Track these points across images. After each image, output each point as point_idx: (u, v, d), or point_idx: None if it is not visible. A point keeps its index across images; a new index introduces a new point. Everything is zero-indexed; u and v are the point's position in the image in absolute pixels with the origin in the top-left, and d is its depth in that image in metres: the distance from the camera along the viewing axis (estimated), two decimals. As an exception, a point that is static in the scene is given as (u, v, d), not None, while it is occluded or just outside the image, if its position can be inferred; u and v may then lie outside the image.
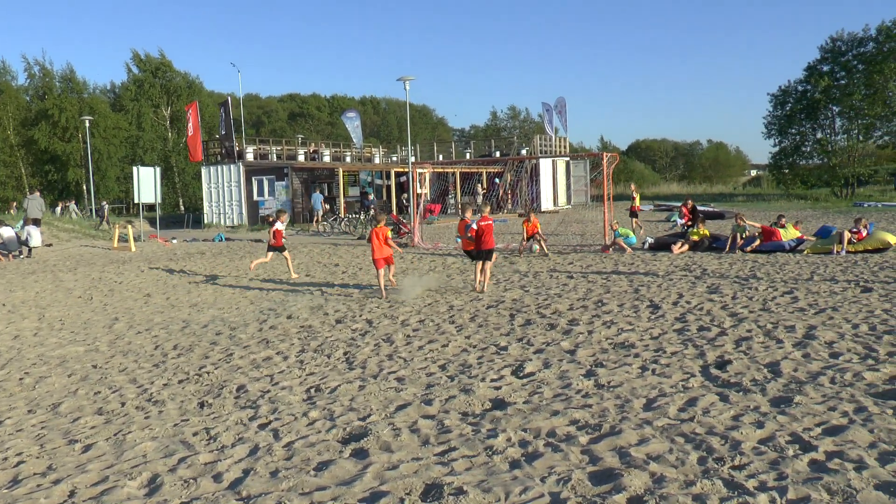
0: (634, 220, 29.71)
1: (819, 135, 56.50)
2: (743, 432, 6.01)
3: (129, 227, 30.15)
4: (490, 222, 14.97)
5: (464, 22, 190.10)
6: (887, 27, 51.30)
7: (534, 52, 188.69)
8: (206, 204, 44.68)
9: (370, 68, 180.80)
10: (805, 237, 20.63)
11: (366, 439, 6.17)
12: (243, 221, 42.30)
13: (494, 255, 15.32)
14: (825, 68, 54.75)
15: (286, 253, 18.40)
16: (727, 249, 19.93)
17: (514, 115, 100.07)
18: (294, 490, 5.24)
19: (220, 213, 43.74)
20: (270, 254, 18.50)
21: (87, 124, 46.28)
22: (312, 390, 7.92)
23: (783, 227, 20.26)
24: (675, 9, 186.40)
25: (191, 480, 5.50)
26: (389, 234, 15.31)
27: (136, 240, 31.43)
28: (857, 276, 14.50)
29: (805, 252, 19.12)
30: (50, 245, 29.15)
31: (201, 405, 7.58)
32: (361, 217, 35.83)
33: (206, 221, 43.87)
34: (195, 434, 6.57)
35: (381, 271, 14.98)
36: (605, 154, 22.48)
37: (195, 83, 69.74)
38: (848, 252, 18.36)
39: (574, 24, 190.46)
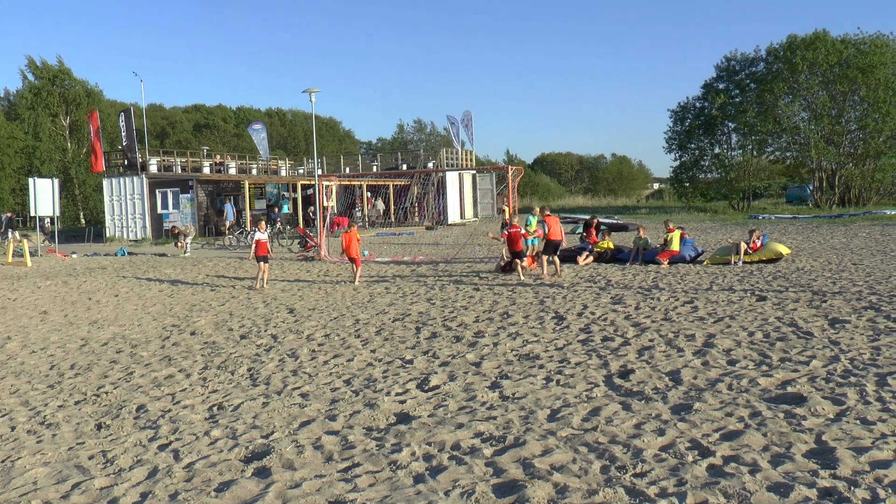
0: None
1: (717, 150, 58.43)
2: (645, 440, 6.12)
3: (25, 241, 29.00)
4: (518, 229, 18.11)
5: (371, 34, 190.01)
6: (775, 49, 53.56)
7: (440, 66, 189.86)
8: (108, 217, 43.35)
9: (276, 80, 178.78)
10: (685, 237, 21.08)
11: (268, 457, 6.04)
12: (147, 235, 41.18)
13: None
14: (721, 86, 56.74)
15: (264, 264, 18.37)
16: (630, 261, 20.37)
17: (420, 129, 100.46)
18: (193, 512, 5.09)
19: (122, 227, 42.49)
20: (263, 264, 18.36)
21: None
22: (215, 408, 7.73)
23: (671, 231, 20.63)
24: (578, 24, 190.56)
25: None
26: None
27: (32, 254, 30.27)
28: (752, 286, 15.00)
29: (704, 262, 19.69)
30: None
31: (98, 427, 7.30)
32: (269, 231, 35.34)
33: (108, 235, 42.54)
34: (91, 458, 6.31)
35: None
36: (510, 167, 22.73)
37: (95, 92, 67.58)
38: (744, 262, 18.99)
39: (480, 38, 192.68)
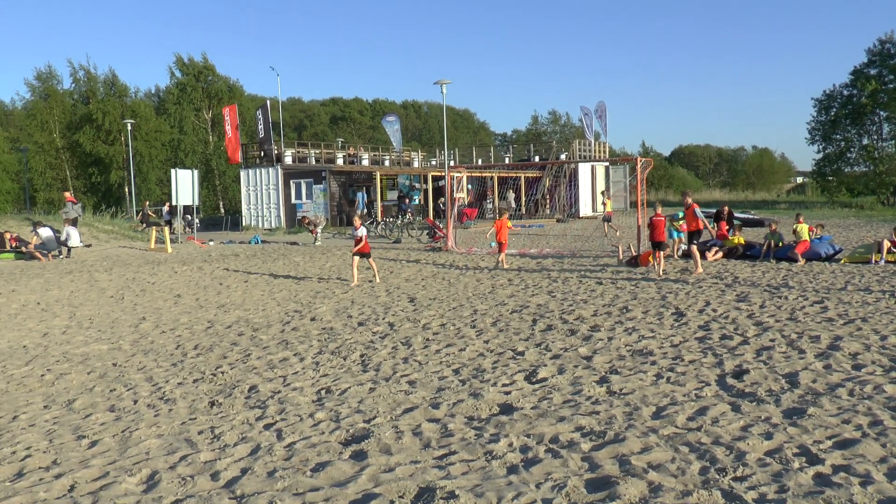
0: (606, 224, 31.60)
1: (865, 141, 55.42)
2: (750, 443, 5.89)
3: (166, 228, 30.53)
4: (661, 218, 17.83)
5: (507, 26, 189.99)
6: (938, 30, 50.26)
7: (576, 56, 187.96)
8: (244, 206, 45.13)
9: (412, 72, 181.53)
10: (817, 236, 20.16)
11: (367, 441, 6.16)
12: (281, 224, 42.63)
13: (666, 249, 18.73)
14: (872, 72, 53.67)
15: (370, 259, 17.92)
16: (761, 257, 19.63)
17: (554, 120, 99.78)
18: (288, 490, 5.24)
19: (258, 216, 44.15)
20: (356, 259, 17.86)
21: (129, 127, 46.98)
22: (323, 392, 7.93)
23: (800, 223, 19.76)
24: (718, 13, 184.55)
25: (188, 478, 5.52)
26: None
27: (172, 241, 31.85)
28: (893, 287, 14.18)
29: (842, 261, 18.75)
30: (89, 246, 29.63)
31: (212, 404, 7.62)
32: (398, 221, 35.93)
33: (244, 224, 44.29)
34: (200, 433, 6.60)
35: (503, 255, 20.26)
36: (639, 159, 22.26)
37: (236, 87, 70.43)
38: (887, 262, 17.96)
39: (617, 27, 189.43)
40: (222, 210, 66.89)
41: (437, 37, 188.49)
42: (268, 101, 46.30)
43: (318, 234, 31.59)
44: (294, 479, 5.40)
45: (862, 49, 55.45)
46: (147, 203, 43.66)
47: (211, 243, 32.67)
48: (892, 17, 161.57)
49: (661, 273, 17.11)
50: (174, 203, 33.60)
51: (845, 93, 55.63)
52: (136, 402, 7.79)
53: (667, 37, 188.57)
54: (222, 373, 8.98)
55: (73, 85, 66.49)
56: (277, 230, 40.99)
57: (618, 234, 29.62)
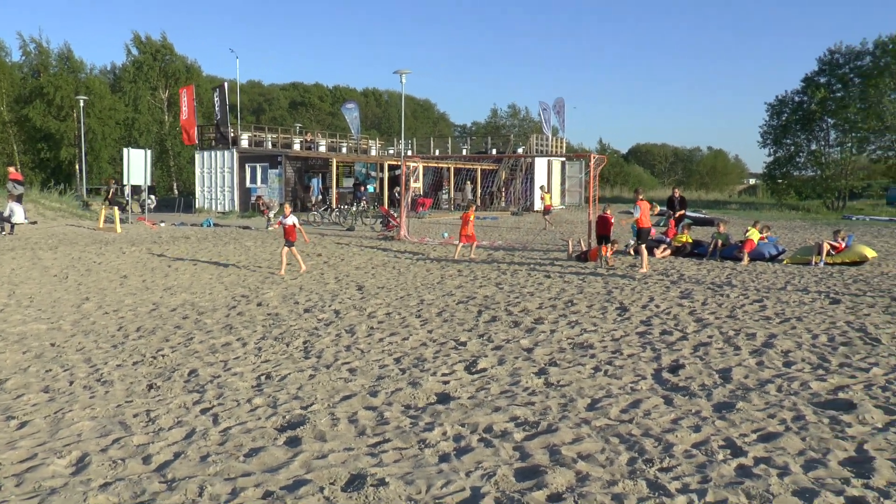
0: (546, 217, 32.29)
1: (813, 146, 56.59)
2: (678, 435, 6.04)
3: (116, 208, 30.10)
4: (608, 215, 18.00)
5: (472, 18, 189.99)
6: (884, 42, 51.41)
7: (538, 52, 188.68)
8: (198, 189, 44.62)
9: (374, 60, 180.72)
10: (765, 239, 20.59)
11: (302, 427, 6.19)
12: (234, 208, 42.24)
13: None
14: (822, 80, 54.81)
15: (293, 249, 17.36)
16: (707, 256, 19.96)
17: (514, 114, 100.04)
18: (220, 475, 5.25)
19: (212, 199, 43.68)
20: (286, 249, 17.34)
21: (82, 104, 46.17)
22: (263, 377, 7.93)
23: (754, 228, 20.22)
24: (677, 15, 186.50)
25: (119, 461, 5.50)
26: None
27: (122, 222, 31.41)
28: (829, 288, 14.53)
29: (785, 262, 19.14)
30: (34, 223, 29.12)
31: (150, 387, 7.58)
32: (353, 209, 35.81)
33: (198, 206, 43.81)
34: (135, 416, 6.58)
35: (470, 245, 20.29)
36: (592, 155, 22.47)
37: (194, 67, 69.50)
38: (826, 264, 18.38)
39: (579, 24, 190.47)
40: (176, 192, 66.07)
41: (400, 26, 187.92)
42: (225, 83, 45.79)
43: (272, 219, 31.39)
44: (226, 465, 5.42)
45: (814, 58, 56.88)
46: (113, 181, 42.95)
47: (162, 225, 32.29)
48: (843, 27, 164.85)
49: (607, 266, 17.39)
50: (125, 182, 33.12)
51: (796, 99, 56.72)
52: (71, 383, 7.71)
53: (629, 37, 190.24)
54: (163, 356, 8.93)
55: (24, 58, 65.12)
56: (231, 214, 40.63)
57: (553, 227, 30.11)
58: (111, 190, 32.06)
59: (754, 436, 6.07)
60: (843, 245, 18.87)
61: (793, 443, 5.88)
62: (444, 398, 7.10)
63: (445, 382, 7.62)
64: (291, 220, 17.22)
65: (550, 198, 36.02)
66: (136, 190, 35.71)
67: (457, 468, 5.31)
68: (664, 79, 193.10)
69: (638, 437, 5.97)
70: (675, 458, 5.55)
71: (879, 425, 6.33)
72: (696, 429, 6.20)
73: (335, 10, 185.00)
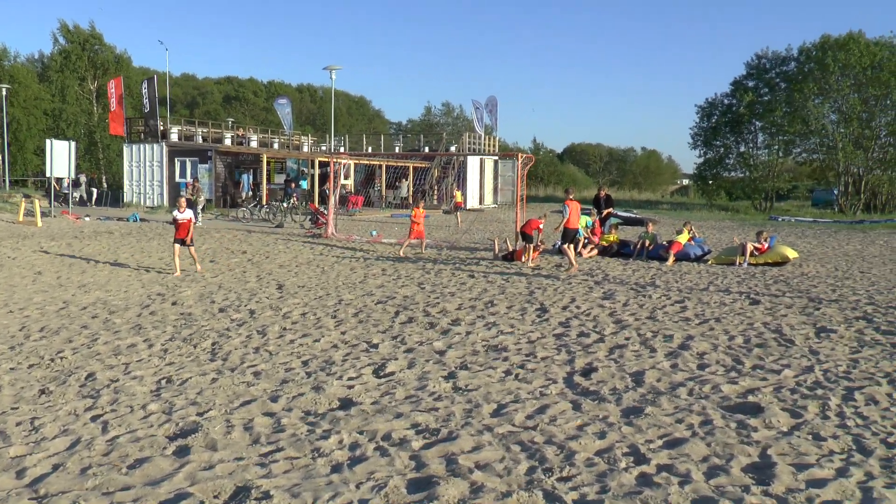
0: (458, 214, 32.93)
1: (742, 148, 57.72)
2: (582, 442, 5.92)
3: (36, 201, 29.16)
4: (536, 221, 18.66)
5: (406, 14, 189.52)
6: (808, 48, 52.69)
7: (472, 50, 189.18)
8: (126, 183, 43.53)
9: (309, 56, 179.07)
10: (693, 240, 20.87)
11: (193, 436, 5.91)
12: (163, 203, 41.31)
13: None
14: (750, 84, 55.95)
15: (191, 248, 16.51)
16: (634, 256, 20.07)
17: (447, 112, 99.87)
18: (97, 489, 4.95)
19: (140, 193, 42.65)
20: (178, 246, 16.20)
21: (4, 92, 44.63)
22: (163, 381, 7.61)
23: (679, 233, 20.46)
24: (612, 16, 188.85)
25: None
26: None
27: (45, 215, 30.45)
28: (750, 289, 14.68)
29: (710, 262, 19.34)
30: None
31: (42, 392, 7.20)
32: (283, 206, 35.24)
33: (125, 200, 42.74)
34: (18, 424, 6.21)
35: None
36: (519, 155, 22.43)
37: (124, 58, 67.66)
38: (750, 264, 18.61)
39: (513, 25, 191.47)
40: (104, 185, 64.34)
41: (333, 20, 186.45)
42: (155, 76, 44.74)
43: (200, 215, 30.71)
44: (106, 477, 5.12)
45: (742, 62, 57.89)
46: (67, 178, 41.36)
47: (87, 219, 31.37)
48: (769, 33, 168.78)
49: (530, 266, 17.59)
50: (48, 175, 32.10)
51: (726, 102, 57.82)
52: (-46, 388, 7.30)
53: (564, 36, 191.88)
54: (62, 358, 8.53)
55: (-57, 45, 62.69)
56: (159, 209, 39.70)
57: (461, 225, 30.74)
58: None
59: (660, 442, 5.98)
60: (766, 246, 19.15)
61: (697, 449, 5.80)
62: (346, 404, 6.87)
63: (350, 387, 7.39)
64: (187, 214, 16.34)
65: (461, 195, 37.10)
66: (76, 183, 34.65)
67: (347, 479, 5.09)
68: (600, 78, 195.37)
69: (540, 445, 5.83)
70: (576, 466, 5.42)
71: (785, 429, 6.31)
72: (602, 435, 6.09)
73: (270, 3, 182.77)
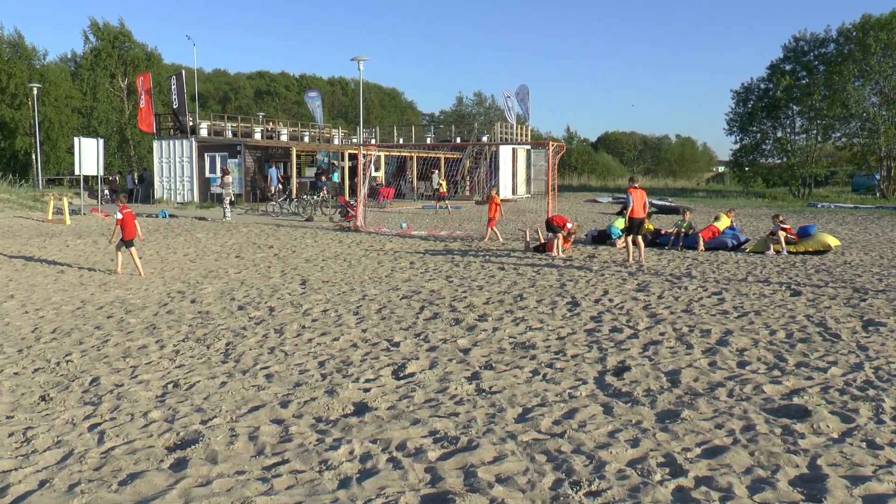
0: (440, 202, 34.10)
1: (779, 133, 56.40)
2: (613, 451, 5.43)
3: (64, 198, 29.12)
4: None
5: (439, 4, 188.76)
6: (847, 29, 51.21)
7: (504, 38, 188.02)
8: (156, 179, 43.53)
9: (341, 49, 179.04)
10: (734, 227, 20.40)
11: (193, 447, 5.50)
12: (194, 198, 41.24)
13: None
14: (787, 67, 54.60)
15: (132, 249, 15.21)
16: (669, 245, 19.47)
17: (479, 102, 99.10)
18: (82, 508, 4.57)
19: (170, 189, 42.62)
20: (130, 248, 15.21)
21: (36, 92, 44.82)
22: (170, 386, 7.22)
23: (717, 218, 19.82)
24: (644, 1, 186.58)
25: (-30, 492, 4.80)
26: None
27: (75, 213, 30.43)
28: (791, 279, 14.05)
29: (747, 250, 18.69)
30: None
31: (42, 399, 6.85)
32: (313, 199, 34.95)
33: (156, 196, 42.74)
34: (11, 435, 5.84)
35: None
36: (550, 143, 21.88)
37: (154, 55, 68.02)
38: (789, 252, 17.93)
39: (546, 12, 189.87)
40: (136, 181, 64.66)
41: (365, 13, 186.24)
42: (183, 71, 44.67)
43: (228, 210, 30.49)
44: (94, 495, 4.72)
45: (779, 45, 56.46)
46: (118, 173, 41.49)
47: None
48: (807, 14, 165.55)
49: (561, 256, 17.31)
50: (77, 172, 32.06)
51: (762, 86, 56.44)
52: (-47, 395, 6.97)
53: (597, 24, 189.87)
54: (69, 361, 8.19)
55: (-23, 46, 63.36)
56: (189, 204, 39.63)
57: (452, 214, 30.76)
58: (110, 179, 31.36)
59: (698, 450, 5.48)
60: (788, 227, 18.79)
61: (740, 458, 5.29)
62: (360, 409, 6.44)
63: (366, 390, 6.95)
64: (118, 215, 15.18)
65: (445, 185, 38.16)
66: (141, 178, 34.77)
67: (355, 496, 4.65)
68: (634, 65, 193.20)
69: (567, 455, 5.35)
70: (606, 479, 4.94)
71: (835, 435, 5.77)
72: (635, 443, 5.60)
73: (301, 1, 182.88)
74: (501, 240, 20.18)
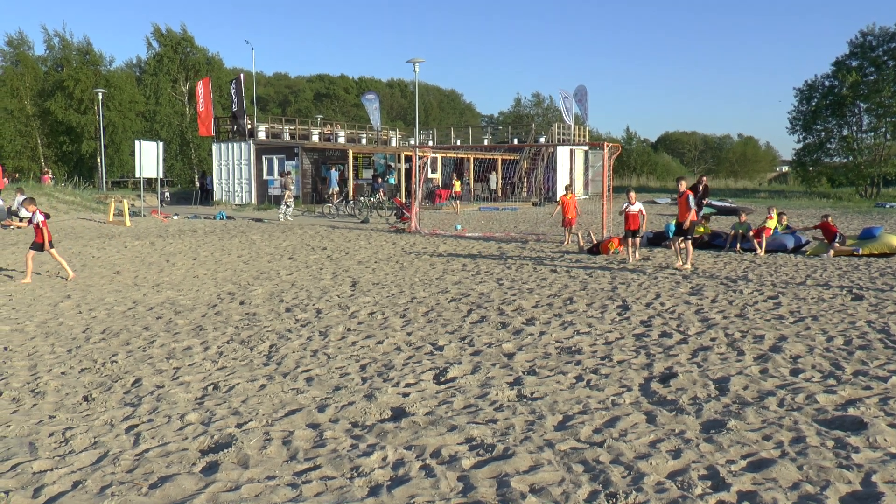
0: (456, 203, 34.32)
1: (845, 132, 54.87)
2: (653, 462, 5.24)
3: (125, 201, 29.69)
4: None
5: (497, 6, 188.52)
6: (921, 22, 49.64)
7: (564, 39, 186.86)
8: (215, 181, 44.22)
9: (401, 51, 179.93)
10: (796, 229, 19.91)
11: (226, 451, 5.46)
12: (252, 200, 41.78)
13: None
14: (854, 63, 53.08)
15: (52, 251, 14.73)
16: (726, 248, 19.03)
17: (537, 103, 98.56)
18: (111, 512, 4.56)
19: (229, 191, 43.25)
20: (32, 251, 14.67)
21: (101, 97, 45.86)
22: (210, 388, 7.22)
23: (770, 218, 19.29)
24: (706, 2, 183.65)
25: (3, 494, 4.81)
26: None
27: (135, 215, 31.03)
28: (853, 283, 13.59)
29: (808, 253, 18.18)
30: (47, 217, 28.71)
31: (85, 399, 6.90)
32: (369, 201, 35.08)
33: (215, 198, 43.41)
34: (51, 435, 5.89)
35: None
36: (606, 144, 21.57)
37: (215, 60, 69.17)
38: (853, 255, 17.39)
39: (605, 12, 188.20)
40: (196, 184, 65.85)
41: (424, 15, 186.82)
42: (241, 75, 45.29)
43: (288, 212, 30.77)
44: (124, 498, 4.71)
45: (845, 40, 54.66)
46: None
47: (175, 217, 31.83)
48: (876, 8, 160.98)
49: (629, 257, 17.05)
50: (138, 175, 32.71)
51: (827, 83, 54.99)
52: (0, 394, 7.06)
53: (657, 23, 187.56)
54: (114, 362, 8.26)
55: (48, 51, 65.16)
56: (247, 206, 40.14)
57: (458, 214, 30.79)
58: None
59: (743, 463, 5.26)
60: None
61: (787, 472, 5.05)
62: (398, 414, 6.34)
63: (405, 395, 6.85)
64: (37, 217, 14.66)
65: (461, 184, 38.76)
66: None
67: (384, 505, 4.57)
68: (693, 65, 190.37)
69: (605, 465, 5.18)
70: (644, 492, 4.76)
71: (892, 450, 5.48)
72: (676, 454, 5.40)
73: (362, 1, 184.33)
74: (582, 243, 19.57)
